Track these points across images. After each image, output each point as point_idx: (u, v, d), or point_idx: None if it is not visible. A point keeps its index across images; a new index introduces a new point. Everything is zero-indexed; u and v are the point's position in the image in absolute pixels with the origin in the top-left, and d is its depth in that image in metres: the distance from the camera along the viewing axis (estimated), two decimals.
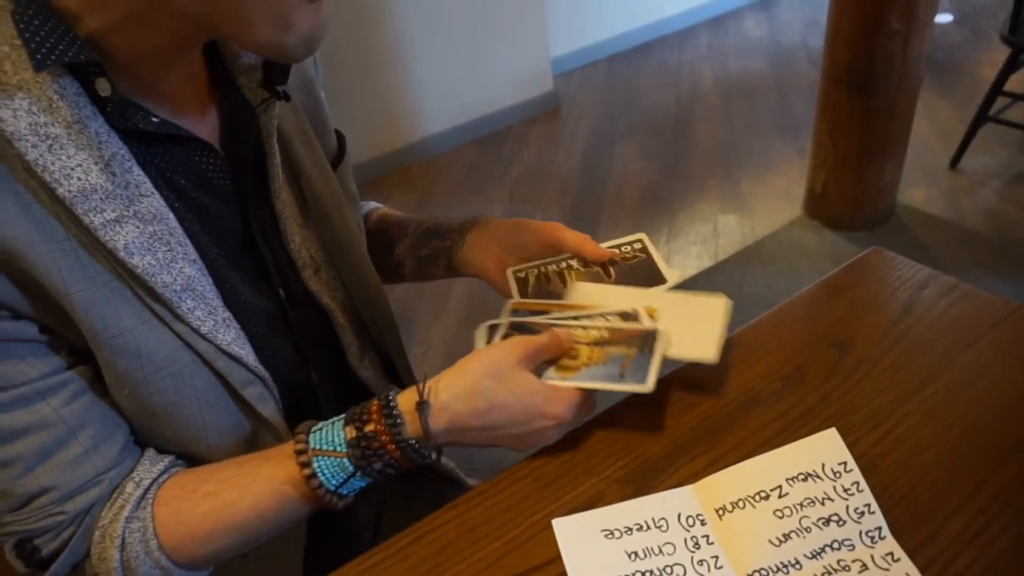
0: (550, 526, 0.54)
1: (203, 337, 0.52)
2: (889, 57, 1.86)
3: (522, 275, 0.72)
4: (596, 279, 0.71)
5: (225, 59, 0.58)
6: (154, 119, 0.50)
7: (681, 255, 2.17)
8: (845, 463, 0.53)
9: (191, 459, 0.57)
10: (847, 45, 1.90)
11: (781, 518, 0.51)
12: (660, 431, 0.61)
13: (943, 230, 2.12)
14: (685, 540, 0.51)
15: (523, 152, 2.78)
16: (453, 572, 0.52)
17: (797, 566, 0.49)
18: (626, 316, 0.64)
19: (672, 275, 0.69)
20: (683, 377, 0.65)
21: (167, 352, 0.51)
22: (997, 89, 2.20)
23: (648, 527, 0.52)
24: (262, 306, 0.60)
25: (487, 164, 2.73)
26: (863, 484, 0.52)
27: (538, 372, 0.59)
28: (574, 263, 0.72)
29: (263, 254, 0.61)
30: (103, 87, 0.46)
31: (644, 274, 0.71)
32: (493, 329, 0.65)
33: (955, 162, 2.35)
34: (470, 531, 0.55)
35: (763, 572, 0.49)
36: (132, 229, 0.48)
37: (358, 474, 0.53)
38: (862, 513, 0.50)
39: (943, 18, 3.32)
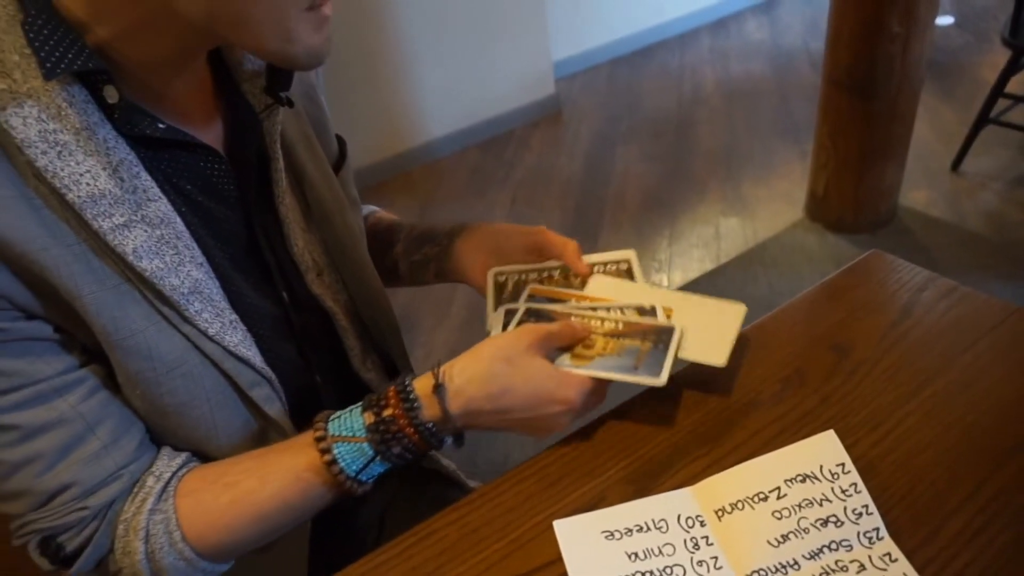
0: (551, 527, 0.54)
1: (211, 339, 0.53)
2: (889, 60, 1.86)
3: (502, 279, 0.72)
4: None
5: (229, 66, 0.58)
6: (160, 125, 0.51)
7: (683, 258, 2.17)
8: (843, 464, 0.54)
9: (203, 458, 0.58)
10: (848, 48, 1.91)
11: (780, 519, 0.52)
12: (661, 433, 0.61)
13: (944, 232, 2.12)
14: (685, 541, 0.52)
15: (525, 155, 2.79)
16: (455, 573, 0.53)
17: (795, 567, 0.49)
18: (643, 311, 0.65)
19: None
20: (684, 379, 0.66)
21: (177, 354, 0.52)
22: (998, 91, 2.21)
23: (648, 528, 0.53)
24: (267, 309, 0.61)
25: (489, 168, 2.74)
26: (861, 485, 0.52)
27: (552, 359, 0.60)
28: (556, 274, 0.72)
29: (267, 258, 0.61)
30: (111, 94, 0.47)
31: None
32: (510, 315, 0.66)
33: (956, 164, 2.35)
34: (472, 532, 0.56)
35: (762, 573, 0.49)
36: (140, 233, 0.49)
37: (377, 459, 0.54)
38: (860, 514, 0.51)
39: (944, 20, 3.32)
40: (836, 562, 0.49)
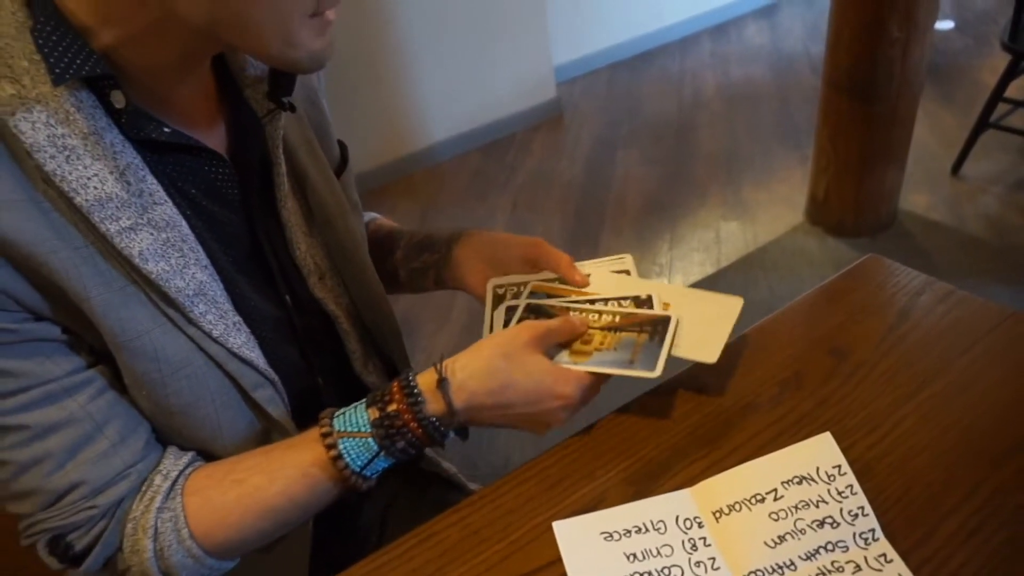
0: (551, 528, 0.55)
1: (215, 340, 0.54)
2: (889, 64, 1.87)
3: (501, 291, 0.72)
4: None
5: (232, 71, 0.59)
6: (166, 129, 0.52)
7: (684, 262, 2.17)
8: (839, 466, 0.54)
9: (208, 457, 0.59)
10: (848, 52, 1.91)
11: (776, 520, 0.52)
12: (660, 435, 0.62)
13: (945, 236, 2.13)
14: (683, 542, 0.52)
15: (526, 159, 2.80)
16: (456, 574, 0.53)
17: (792, 567, 0.50)
18: (640, 302, 0.66)
19: None
20: (684, 382, 0.66)
21: (182, 355, 0.53)
22: (998, 95, 2.21)
23: (646, 529, 0.53)
24: (269, 311, 0.62)
25: (491, 172, 2.75)
26: (857, 487, 0.53)
27: (550, 355, 0.61)
28: (554, 283, 0.72)
29: (270, 261, 0.62)
30: (118, 99, 0.48)
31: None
32: (511, 312, 0.67)
33: (956, 168, 2.36)
34: (473, 534, 0.56)
35: (759, 573, 0.50)
36: (146, 236, 0.49)
37: (382, 454, 0.55)
38: (855, 515, 0.51)
39: (944, 25, 3.33)
40: (832, 563, 0.50)
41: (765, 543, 0.51)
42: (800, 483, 0.54)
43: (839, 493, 0.53)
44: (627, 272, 0.72)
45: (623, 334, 0.62)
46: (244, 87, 0.59)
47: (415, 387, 0.56)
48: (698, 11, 3.62)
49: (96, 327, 0.49)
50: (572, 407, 0.59)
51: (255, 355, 0.57)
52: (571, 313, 0.65)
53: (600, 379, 0.61)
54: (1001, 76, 2.18)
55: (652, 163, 2.68)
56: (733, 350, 0.69)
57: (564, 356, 0.62)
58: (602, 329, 0.63)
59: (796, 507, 0.52)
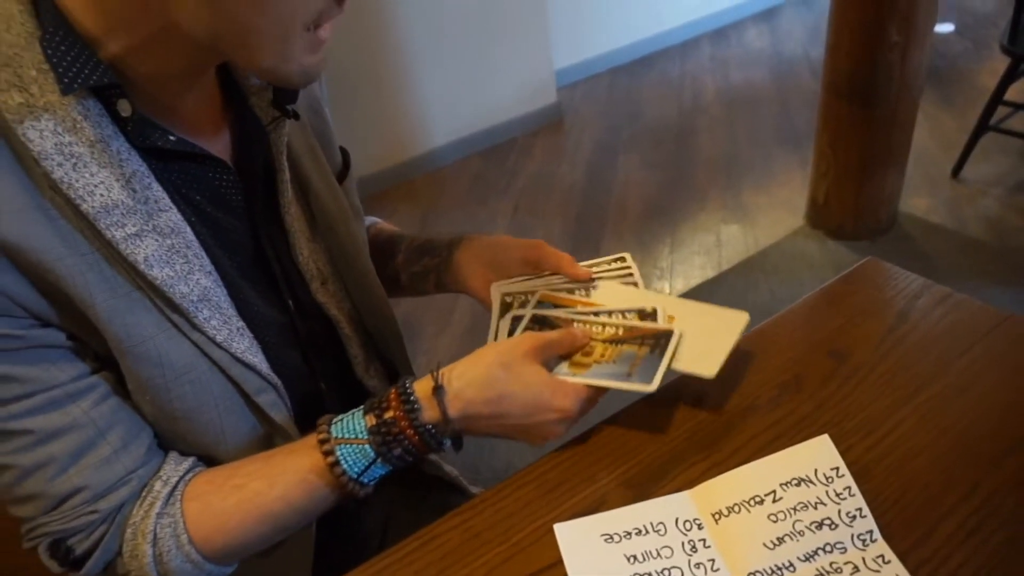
0: (552, 531, 0.55)
1: (218, 345, 0.54)
2: (889, 68, 1.88)
3: (509, 299, 0.72)
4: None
5: (237, 80, 0.60)
6: (171, 137, 0.52)
7: (685, 265, 2.18)
8: (837, 468, 0.55)
9: (211, 462, 0.59)
10: (847, 56, 1.92)
11: (775, 522, 0.53)
12: (660, 438, 0.62)
13: (945, 239, 2.13)
14: (683, 544, 0.53)
15: (527, 164, 2.81)
16: None
17: (791, 568, 0.50)
18: (644, 314, 0.66)
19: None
20: (683, 385, 0.67)
21: (186, 360, 0.53)
22: (997, 98, 2.22)
23: (647, 531, 0.54)
24: (273, 317, 0.62)
25: (491, 176, 2.76)
26: (855, 488, 0.53)
27: (550, 367, 0.61)
28: (555, 280, 0.73)
29: (273, 267, 0.63)
30: (124, 108, 0.48)
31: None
32: (516, 321, 0.67)
33: (957, 171, 2.36)
34: (474, 536, 0.56)
35: (758, 574, 0.50)
36: (151, 243, 0.50)
37: (379, 460, 0.55)
38: (854, 517, 0.52)
39: (944, 28, 3.34)
40: (831, 564, 0.50)
41: (764, 544, 0.51)
42: (798, 485, 0.54)
43: (837, 495, 0.53)
44: (629, 271, 0.73)
45: (624, 347, 0.62)
46: (249, 95, 0.60)
47: (412, 394, 0.56)
48: (698, 15, 3.64)
49: (101, 333, 0.50)
50: (568, 420, 0.59)
51: (258, 360, 0.57)
52: (575, 325, 0.65)
53: (598, 392, 0.61)
54: (1001, 79, 2.19)
55: (653, 167, 2.68)
56: (732, 354, 0.69)
57: (564, 367, 0.62)
58: (604, 341, 0.63)
59: (795, 509, 0.53)
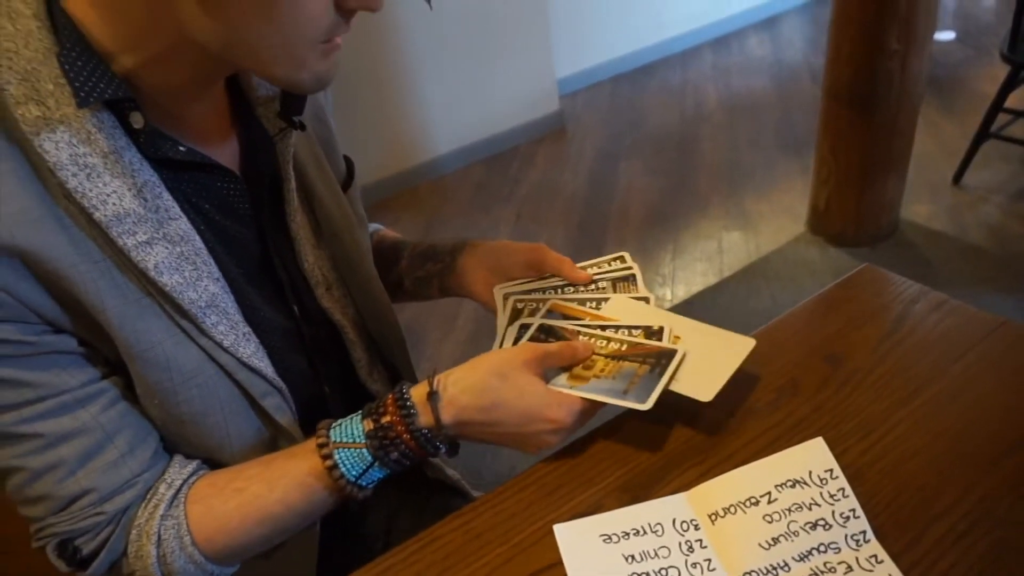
0: (552, 532, 0.56)
1: (225, 350, 0.56)
2: (889, 76, 1.89)
3: (520, 306, 0.73)
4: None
5: (245, 91, 0.61)
6: (181, 148, 0.54)
7: (686, 272, 2.19)
8: (831, 470, 0.56)
9: (216, 465, 0.60)
10: (848, 64, 1.94)
11: (770, 523, 0.53)
12: (658, 442, 0.63)
13: (946, 245, 2.14)
14: (680, 544, 0.54)
15: (530, 172, 2.82)
16: None
17: (786, 568, 0.51)
18: (650, 333, 0.66)
19: (645, 293, 0.72)
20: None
21: (193, 365, 0.55)
22: (998, 106, 2.23)
23: (644, 532, 0.55)
24: (279, 322, 0.63)
25: (494, 184, 2.78)
26: (848, 490, 0.54)
27: (548, 378, 0.62)
28: (556, 282, 0.74)
29: (279, 273, 0.64)
30: (137, 120, 0.50)
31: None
32: (523, 329, 0.68)
33: (958, 178, 2.37)
34: (476, 537, 0.57)
35: (754, 574, 0.51)
36: (162, 250, 0.51)
37: (376, 464, 0.56)
38: (847, 518, 0.53)
39: (945, 36, 3.35)
40: (824, 564, 0.51)
41: (759, 545, 0.52)
42: (793, 486, 0.55)
43: (831, 496, 0.54)
44: (630, 270, 0.74)
45: (625, 363, 0.63)
46: (256, 106, 0.61)
47: (408, 399, 0.57)
48: (699, 24, 3.66)
49: (111, 338, 0.51)
50: (563, 431, 0.60)
51: (264, 364, 0.59)
52: (580, 337, 0.66)
53: (594, 405, 0.61)
54: (1001, 86, 2.20)
55: (655, 174, 2.70)
56: (728, 382, 0.68)
57: (562, 379, 0.62)
58: (607, 356, 0.64)
59: (789, 510, 0.54)
